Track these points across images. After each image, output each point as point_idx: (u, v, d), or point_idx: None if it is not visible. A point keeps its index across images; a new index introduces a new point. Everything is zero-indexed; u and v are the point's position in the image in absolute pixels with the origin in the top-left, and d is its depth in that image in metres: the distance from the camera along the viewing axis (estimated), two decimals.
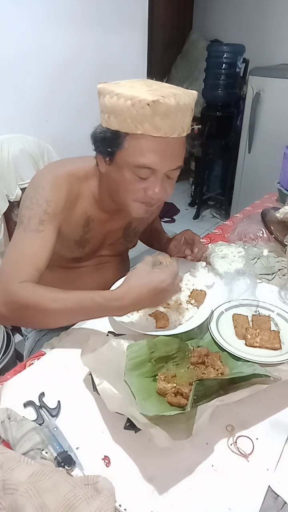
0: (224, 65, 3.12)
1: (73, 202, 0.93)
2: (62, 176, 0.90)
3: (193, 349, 0.82)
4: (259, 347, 0.85)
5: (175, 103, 0.76)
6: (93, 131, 0.86)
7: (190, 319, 0.91)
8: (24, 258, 0.83)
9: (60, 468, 0.61)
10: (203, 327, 0.90)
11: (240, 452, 0.66)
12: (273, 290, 1.10)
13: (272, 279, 1.16)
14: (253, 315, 0.95)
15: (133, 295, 0.78)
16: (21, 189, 1.48)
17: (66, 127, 1.83)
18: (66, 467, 0.61)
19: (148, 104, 0.74)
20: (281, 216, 1.25)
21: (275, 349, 0.84)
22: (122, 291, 0.79)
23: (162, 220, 1.30)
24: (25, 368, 0.83)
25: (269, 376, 0.71)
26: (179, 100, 0.76)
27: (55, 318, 0.80)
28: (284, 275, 1.16)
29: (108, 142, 0.82)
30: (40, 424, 0.68)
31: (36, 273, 0.83)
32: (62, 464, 0.62)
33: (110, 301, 0.78)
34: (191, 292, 0.99)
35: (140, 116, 0.76)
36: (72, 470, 0.62)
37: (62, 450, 0.64)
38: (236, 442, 0.68)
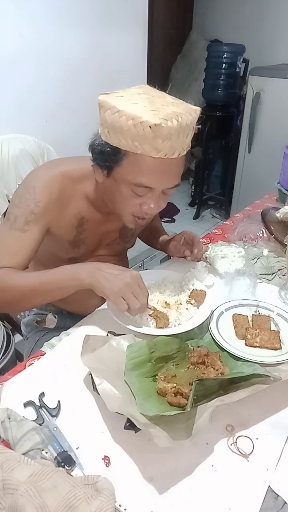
0: (224, 65, 3.12)
1: (65, 203, 0.92)
2: (56, 177, 0.90)
3: (193, 349, 0.82)
4: (259, 347, 0.85)
5: (178, 125, 0.75)
6: (91, 142, 0.85)
7: (190, 319, 0.91)
8: (4, 252, 0.86)
9: (60, 468, 0.61)
10: (203, 327, 0.90)
11: (240, 452, 0.66)
12: (273, 290, 1.10)
13: (272, 279, 1.16)
14: (253, 315, 0.95)
15: (92, 264, 0.86)
16: None
17: (66, 127, 1.83)
18: (66, 467, 0.61)
19: (150, 127, 0.74)
20: (281, 216, 1.25)
21: (275, 349, 0.84)
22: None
23: (162, 220, 1.30)
24: (25, 368, 0.83)
25: (269, 376, 0.71)
26: (181, 121, 0.76)
27: (22, 296, 0.85)
28: (284, 275, 1.16)
29: (106, 157, 0.82)
30: (40, 424, 0.68)
31: (16, 266, 0.85)
32: (62, 464, 0.62)
33: (68, 265, 0.85)
34: (191, 292, 0.99)
35: (141, 137, 0.75)
36: (72, 470, 0.62)
37: (62, 450, 0.64)
38: (236, 442, 0.68)
